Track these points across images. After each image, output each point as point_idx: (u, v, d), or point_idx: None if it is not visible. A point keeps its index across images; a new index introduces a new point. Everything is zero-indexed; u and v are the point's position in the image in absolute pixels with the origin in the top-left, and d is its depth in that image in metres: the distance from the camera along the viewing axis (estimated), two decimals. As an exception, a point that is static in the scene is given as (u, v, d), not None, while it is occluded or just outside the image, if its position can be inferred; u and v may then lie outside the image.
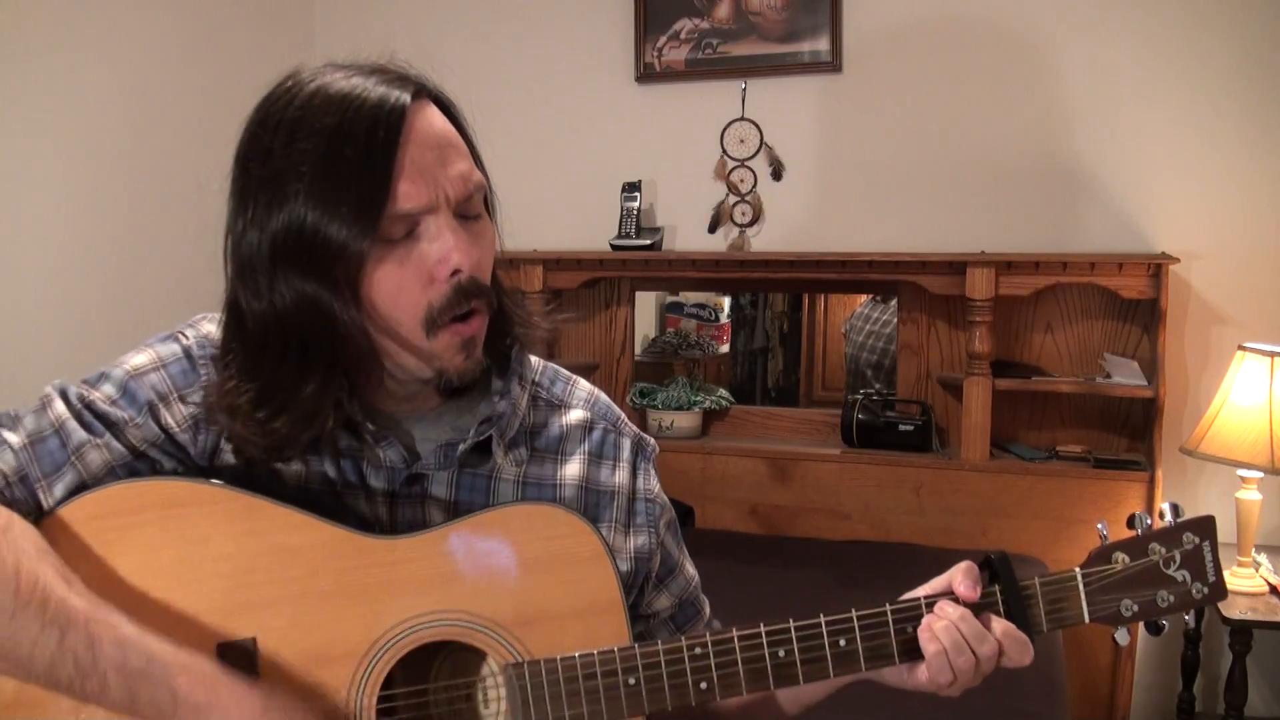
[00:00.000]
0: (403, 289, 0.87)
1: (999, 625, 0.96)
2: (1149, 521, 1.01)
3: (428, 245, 0.87)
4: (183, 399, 0.95)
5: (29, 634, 0.81)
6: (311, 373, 0.90)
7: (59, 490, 0.90)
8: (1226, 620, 2.37)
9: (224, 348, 0.94)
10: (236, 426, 0.91)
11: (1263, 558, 2.56)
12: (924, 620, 0.96)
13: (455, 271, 0.88)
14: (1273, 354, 2.44)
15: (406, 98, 0.87)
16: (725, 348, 3.36)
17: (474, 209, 0.91)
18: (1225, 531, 2.51)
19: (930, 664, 0.95)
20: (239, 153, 0.90)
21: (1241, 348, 2.53)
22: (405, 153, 0.85)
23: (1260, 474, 2.44)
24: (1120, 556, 1.00)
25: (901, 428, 2.88)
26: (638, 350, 3.31)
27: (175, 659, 0.84)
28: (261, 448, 0.92)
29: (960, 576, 0.98)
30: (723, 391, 3.19)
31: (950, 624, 0.95)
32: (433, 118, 0.89)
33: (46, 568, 0.84)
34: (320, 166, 0.84)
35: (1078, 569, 1.00)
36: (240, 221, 0.88)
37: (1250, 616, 2.36)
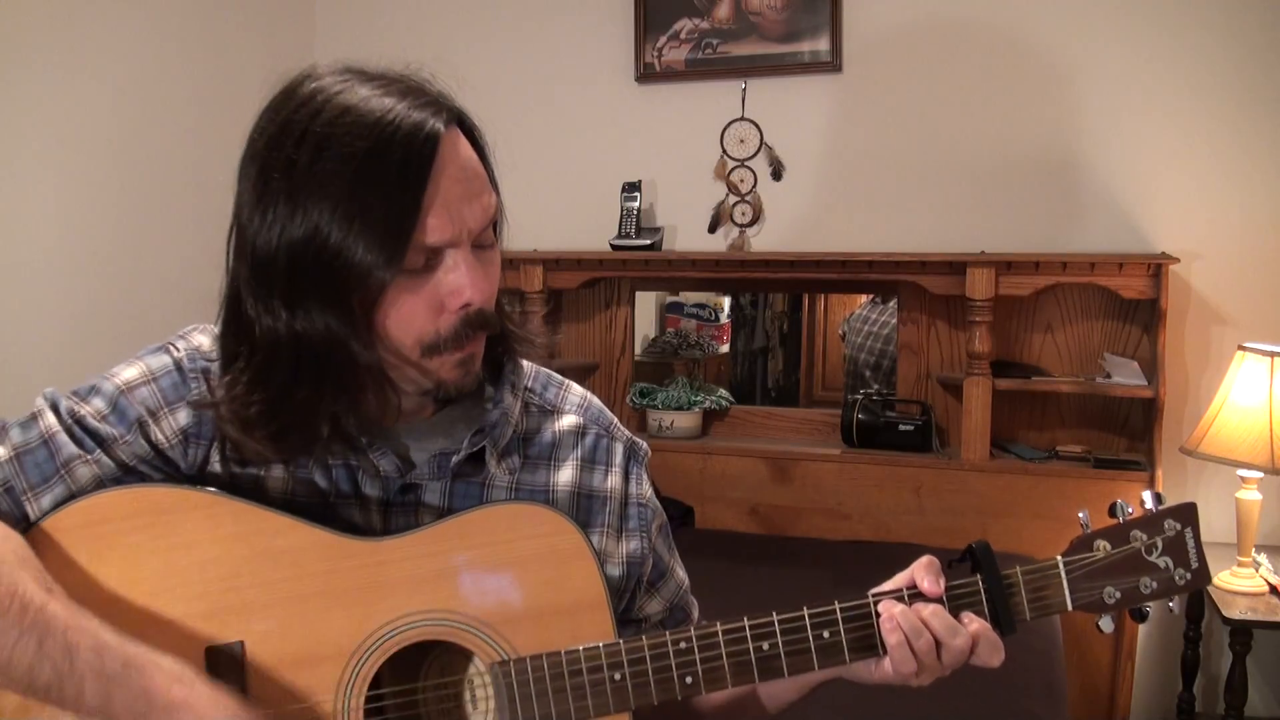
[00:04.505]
0: (414, 316, 0.88)
1: (975, 624, 0.97)
2: (1130, 510, 1.01)
3: (444, 276, 0.88)
4: (173, 413, 0.94)
5: (8, 640, 0.81)
6: (323, 397, 0.90)
7: (46, 502, 0.90)
8: (1226, 620, 2.36)
9: (228, 352, 0.92)
10: (250, 443, 0.90)
11: (1263, 558, 2.55)
12: (883, 612, 0.97)
13: (467, 304, 0.89)
14: (1273, 354, 2.43)
15: (440, 127, 0.86)
16: (725, 348, 3.36)
17: (489, 238, 0.92)
18: (1225, 531, 2.53)
19: (893, 655, 0.96)
20: (260, 156, 0.87)
21: (1241, 348, 2.53)
22: (436, 186, 0.85)
23: (1260, 474, 2.43)
24: (1102, 544, 1.00)
25: (901, 428, 2.87)
26: (638, 350, 3.30)
27: (151, 661, 0.84)
28: (271, 461, 0.93)
29: (922, 572, 0.98)
30: (723, 391, 3.19)
31: (905, 610, 0.96)
32: (461, 148, 0.89)
33: (26, 576, 0.84)
34: (349, 192, 0.83)
35: (1059, 557, 1.01)
36: (256, 224, 0.87)
37: (1250, 616, 2.36)
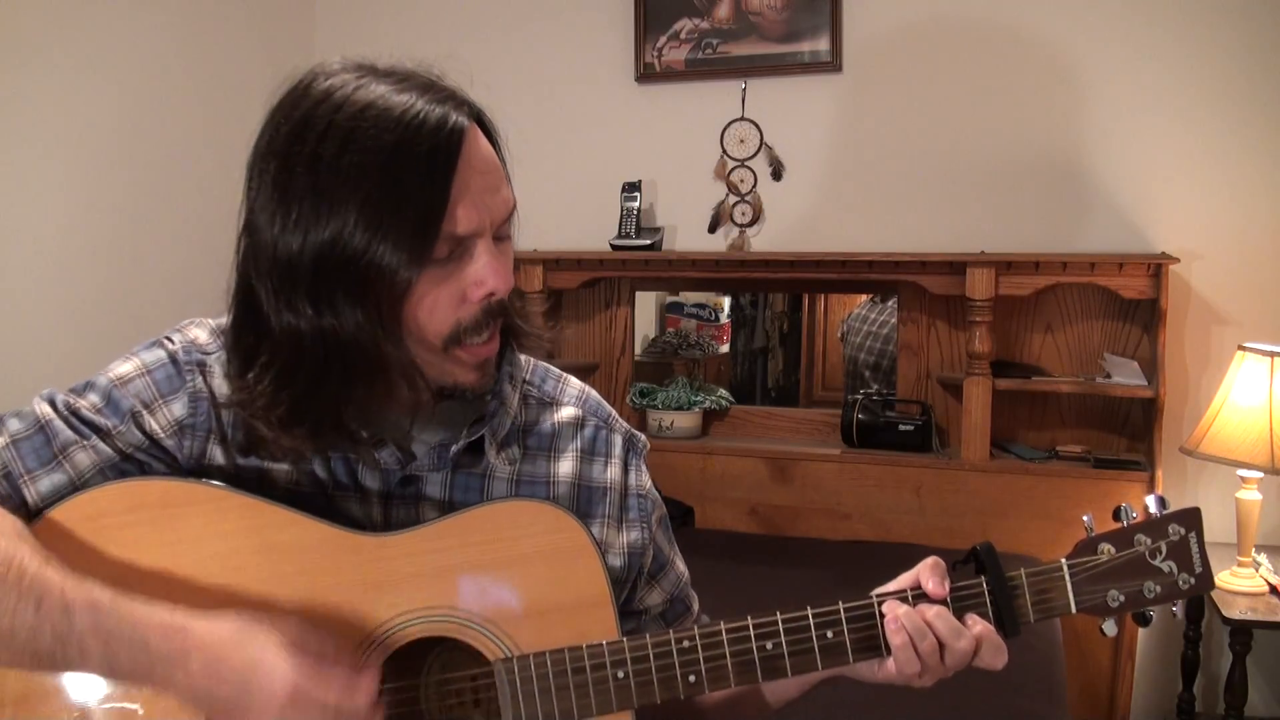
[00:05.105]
0: (437, 306, 0.88)
1: (979, 626, 0.97)
2: (1135, 514, 1.01)
3: (468, 266, 0.88)
4: (167, 405, 0.95)
5: (7, 607, 0.82)
6: (354, 391, 0.90)
7: (44, 486, 0.90)
8: (1226, 620, 2.36)
9: (245, 348, 0.92)
10: (283, 440, 0.90)
11: (1263, 558, 2.55)
12: (887, 613, 0.97)
13: (490, 294, 0.89)
14: (1273, 354, 2.43)
15: (465, 122, 0.87)
16: (725, 348, 3.36)
17: (506, 230, 0.93)
18: (1225, 531, 2.53)
19: (897, 656, 0.96)
20: (280, 151, 0.86)
21: (1241, 348, 2.53)
22: (462, 178, 0.85)
23: (1260, 474, 2.43)
24: (1106, 548, 1.00)
25: (901, 428, 2.87)
26: (638, 350, 3.30)
27: (147, 615, 0.84)
28: (305, 454, 0.93)
29: (928, 573, 0.98)
30: (723, 391, 3.19)
31: (910, 611, 0.96)
32: (481, 142, 0.90)
33: (24, 546, 0.84)
34: (377, 187, 0.83)
35: (1064, 560, 1.01)
36: (279, 222, 0.86)
37: (1250, 616, 2.36)
